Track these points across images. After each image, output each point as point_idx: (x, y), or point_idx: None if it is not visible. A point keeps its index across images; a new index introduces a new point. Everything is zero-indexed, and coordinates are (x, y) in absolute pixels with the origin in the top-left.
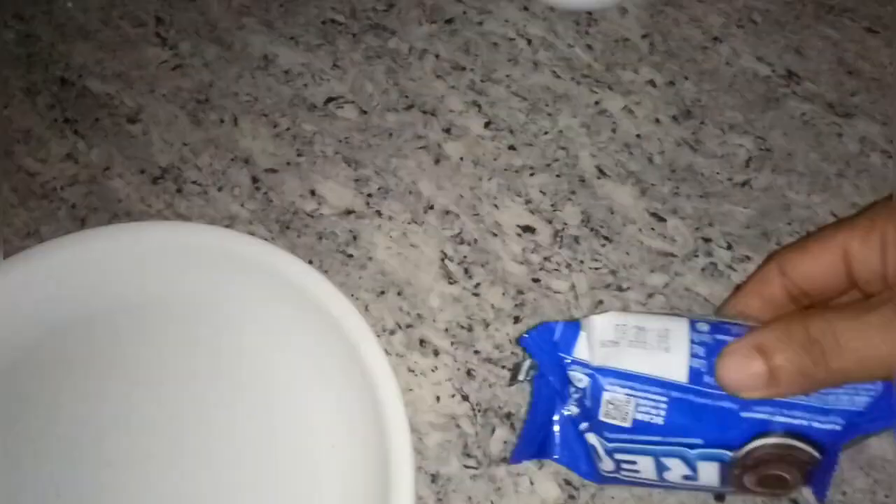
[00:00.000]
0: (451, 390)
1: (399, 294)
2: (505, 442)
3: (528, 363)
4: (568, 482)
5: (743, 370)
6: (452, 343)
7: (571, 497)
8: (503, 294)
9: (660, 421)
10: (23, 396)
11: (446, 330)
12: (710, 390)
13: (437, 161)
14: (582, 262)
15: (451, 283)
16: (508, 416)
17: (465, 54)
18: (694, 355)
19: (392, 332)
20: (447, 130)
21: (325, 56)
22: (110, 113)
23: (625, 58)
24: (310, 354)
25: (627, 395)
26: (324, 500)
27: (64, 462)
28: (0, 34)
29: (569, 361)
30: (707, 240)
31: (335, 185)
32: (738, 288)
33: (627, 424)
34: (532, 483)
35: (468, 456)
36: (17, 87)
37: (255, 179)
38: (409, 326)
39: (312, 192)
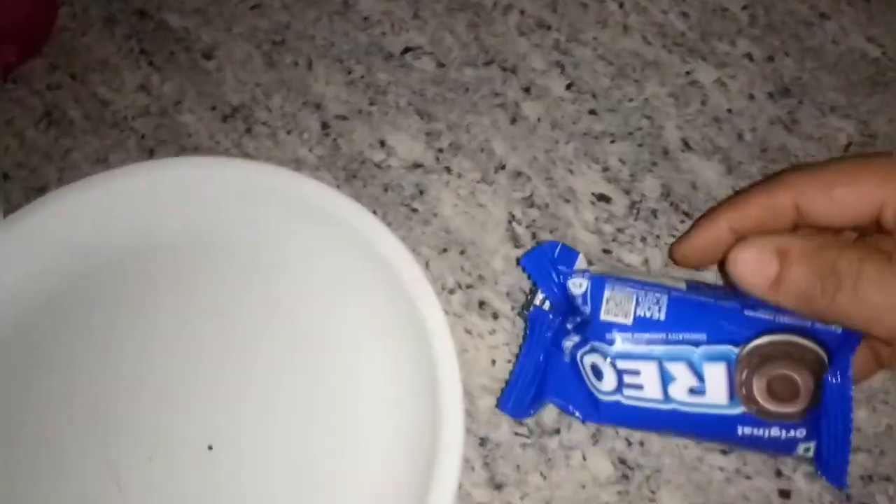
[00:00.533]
0: (508, 355)
1: (462, 253)
2: (560, 413)
3: (541, 294)
4: (622, 461)
5: (755, 263)
6: (513, 307)
7: (625, 477)
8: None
9: (661, 317)
10: (75, 324)
11: (507, 294)
12: (709, 294)
13: (513, 120)
14: (658, 236)
15: (516, 247)
16: None
17: (552, 12)
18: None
19: (451, 292)
20: (526, 90)
21: (407, 5)
22: (186, 48)
23: (722, 28)
24: (366, 304)
25: (628, 292)
26: (370, 454)
27: (111, 392)
28: None
29: (568, 272)
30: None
31: (405, 138)
32: (736, 193)
33: (629, 322)
34: (585, 458)
35: (520, 424)
36: (97, 16)
37: (324, 125)
38: (469, 287)
39: (382, 143)
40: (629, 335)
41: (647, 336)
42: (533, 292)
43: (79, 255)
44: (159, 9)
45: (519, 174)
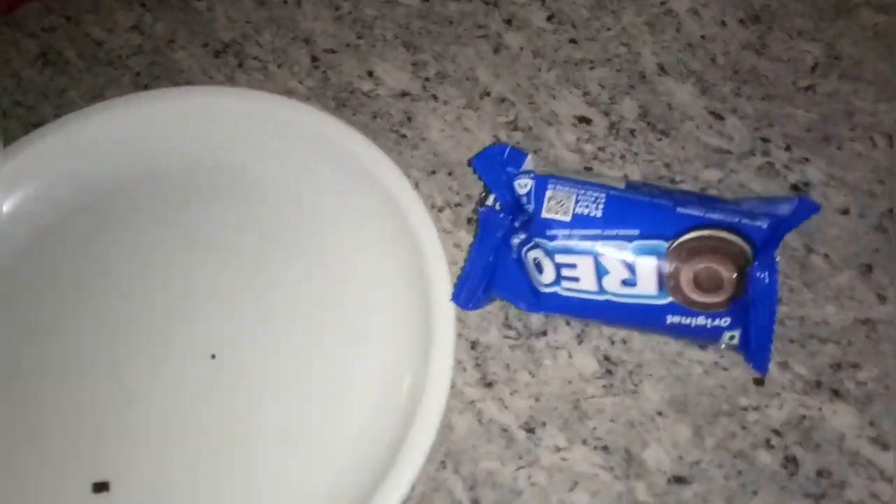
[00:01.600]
0: None
1: (450, 174)
2: (546, 317)
3: (493, 195)
4: (606, 357)
5: None
6: None
7: (609, 372)
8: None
9: (598, 214)
10: (81, 246)
11: None
12: (646, 193)
13: (496, 50)
14: (636, 154)
15: None
16: None
17: None
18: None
19: (441, 210)
20: (508, 21)
21: None
22: None
23: None
24: (362, 222)
25: (568, 190)
26: (368, 360)
27: (117, 308)
28: None
29: (515, 173)
30: (766, 140)
31: (392, 69)
32: None
33: (567, 218)
34: (570, 356)
35: (508, 327)
36: None
37: (314, 58)
38: (457, 205)
39: (370, 74)
40: (567, 231)
41: (583, 232)
42: (485, 192)
43: (84, 181)
44: None
45: (503, 100)
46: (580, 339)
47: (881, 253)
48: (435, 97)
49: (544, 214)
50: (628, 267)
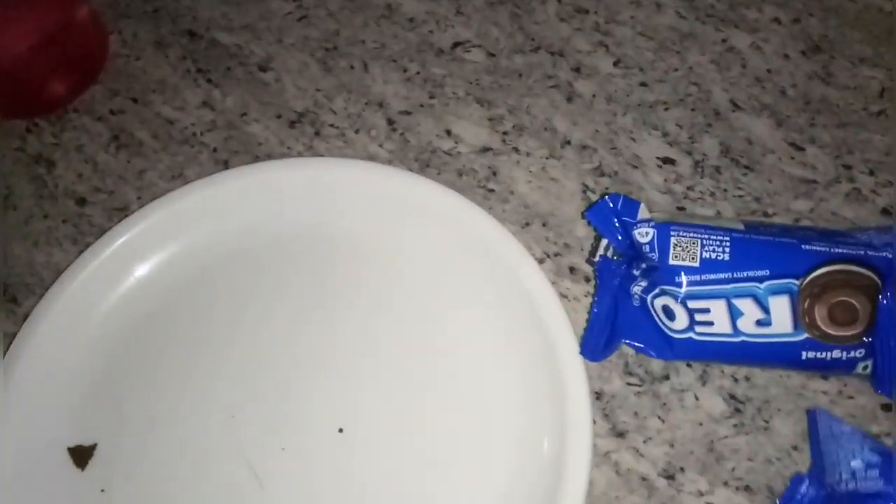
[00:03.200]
0: None
1: (544, 225)
2: (666, 361)
3: (605, 241)
4: (732, 396)
5: None
6: None
7: (738, 410)
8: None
9: (726, 257)
10: (201, 315)
11: None
12: (767, 233)
13: (569, 99)
14: (725, 190)
15: None
16: None
17: None
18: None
19: (541, 261)
20: (576, 70)
21: (448, 3)
22: (241, 62)
23: None
24: (480, 287)
25: (693, 236)
26: (502, 422)
27: (239, 382)
28: None
29: (633, 223)
30: (848, 167)
31: (469, 125)
32: None
33: (696, 264)
34: (697, 398)
35: (630, 374)
36: (147, 40)
37: (390, 121)
38: (557, 255)
39: (448, 132)
40: (697, 277)
41: (714, 276)
42: (597, 241)
43: (209, 249)
44: (208, 28)
45: (584, 147)
46: (703, 380)
47: None
48: (516, 150)
49: (672, 262)
50: (762, 307)
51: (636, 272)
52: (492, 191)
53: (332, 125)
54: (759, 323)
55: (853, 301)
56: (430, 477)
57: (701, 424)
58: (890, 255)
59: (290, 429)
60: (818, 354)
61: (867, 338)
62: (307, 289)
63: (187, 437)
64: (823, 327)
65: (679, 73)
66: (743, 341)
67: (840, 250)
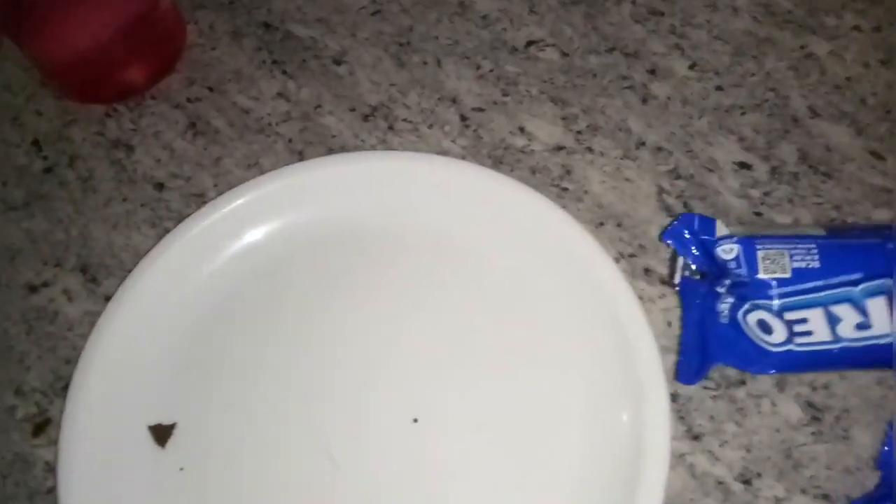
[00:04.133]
0: (680, 315)
1: (618, 226)
2: None
3: (681, 261)
4: (810, 404)
5: None
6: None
7: (816, 419)
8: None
9: (816, 264)
10: (283, 303)
11: (670, 259)
12: (850, 235)
13: (644, 100)
14: (803, 197)
15: (669, 216)
16: None
17: (662, 0)
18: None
19: (616, 262)
20: (651, 72)
21: (521, 2)
22: (315, 55)
23: (826, 4)
24: (561, 286)
25: (780, 248)
26: (576, 420)
27: (320, 369)
28: None
29: (714, 240)
30: None
31: (543, 123)
32: None
33: (787, 275)
34: (774, 405)
35: (706, 378)
36: (223, 31)
37: (463, 118)
38: (632, 256)
39: (521, 129)
40: (790, 288)
41: (807, 285)
42: (673, 261)
43: (290, 236)
44: (283, 20)
45: (660, 149)
46: (780, 387)
47: None
48: (590, 149)
49: (762, 275)
50: (860, 310)
51: (721, 290)
52: (566, 189)
53: (405, 119)
54: (858, 327)
55: None
56: (500, 471)
57: (778, 431)
58: None
59: (365, 415)
60: None
61: None
62: (387, 281)
63: (265, 419)
64: None
65: (756, 79)
66: (844, 347)
67: None
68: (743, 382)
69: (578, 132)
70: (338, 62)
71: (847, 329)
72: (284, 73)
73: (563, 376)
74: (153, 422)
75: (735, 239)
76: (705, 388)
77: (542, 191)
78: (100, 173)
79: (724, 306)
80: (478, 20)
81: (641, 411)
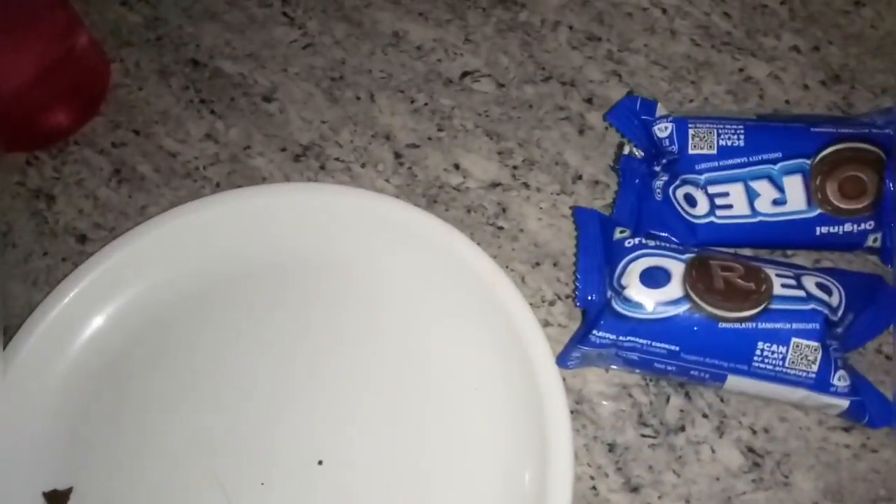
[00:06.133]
0: None
1: (555, 265)
2: (681, 411)
3: (628, 145)
4: (751, 449)
5: None
6: None
7: (756, 465)
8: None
9: (741, 143)
10: (180, 347)
11: None
12: (778, 120)
13: (580, 131)
14: None
15: None
16: (682, 384)
17: (600, 24)
18: None
19: (552, 303)
20: (588, 100)
21: (457, 31)
22: (245, 92)
23: (765, 24)
24: (464, 317)
25: (709, 127)
26: (482, 453)
27: (218, 414)
28: (127, 18)
29: (653, 120)
30: None
31: (478, 159)
32: None
33: (714, 151)
34: (713, 451)
35: (644, 425)
36: (150, 69)
37: (397, 155)
38: (568, 297)
39: (456, 166)
40: (716, 163)
41: (731, 161)
42: (619, 150)
43: (186, 277)
44: (212, 57)
45: (597, 182)
46: (720, 431)
47: None
48: (526, 185)
49: (691, 151)
50: (777, 187)
51: (657, 168)
52: (501, 228)
53: (337, 159)
54: (775, 202)
55: (861, 175)
56: None
57: (718, 479)
58: (892, 132)
59: (268, 462)
60: (831, 229)
61: (874, 211)
62: (286, 319)
63: (164, 476)
64: (835, 201)
65: (694, 104)
66: (761, 221)
67: (846, 130)
68: (682, 428)
69: (514, 167)
70: (268, 99)
71: (764, 204)
72: (213, 112)
73: (469, 408)
74: (48, 488)
75: (671, 118)
76: (644, 435)
77: (478, 230)
78: (19, 226)
79: (659, 183)
80: (412, 51)
81: (546, 469)
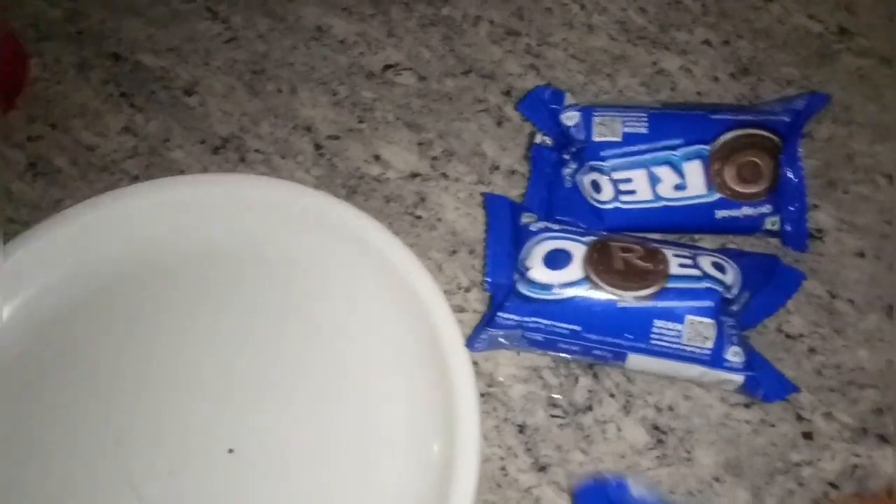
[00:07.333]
0: None
1: (471, 253)
2: (590, 391)
3: (540, 135)
4: (655, 427)
5: None
6: None
7: (660, 442)
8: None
9: (644, 130)
10: (89, 340)
11: None
12: (681, 108)
13: (499, 123)
14: None
15: None
16: (591, 365)
17: (519, 20)
18: None
19: (467, 290)
20: (507, 93)
21: (380, 25)
22: (165, 86)
23: (678, 19)
24: (373, 302)
25: (614, 115)
26: (393, 438)
27: (126, 407)
28: (47, 12)
29: (561, 109)
30: None
31: (399, 150)
32: None
33: (618, 139)
34: (619, 430)
35: (554, 406)
36: (70, 63)
37: (317, 146)
38: (483, 283)
39: (377, 157)
40: (620, 150)
41: (634, 148)
42: (531, 139)
43: (93, 271)
44: (132, 51)
45: (513, 172)
46: (626, 410)
47: None
48: (445, 175)
49: (596, 138)
50: (678, 172)
51: (567, 156)
52: (419, 217)
53: (257, 150)
54: (676, 187)
55: (757, 160)
56: (319, 494)
57: (623, 457)
58: (788, 119)
59: (177, 452)
60: (731, 213)
61: (772, 195)
62: (192, 309)
63: (73, 469)
64: (733, 186)
65: (609, 97)
66: (664, 206)
67: (744, 118)
68: (590, 408)
69: (434, 158)
70: (189, 92)
71: (666, 189)
72: (132, 105)
73: (379, 393)
74: None
75: (578, 107)
76: (553, 416)
77: (397, 220)
78: None
79: (568, 171)
80: (335, 45)
81: (454, 442)
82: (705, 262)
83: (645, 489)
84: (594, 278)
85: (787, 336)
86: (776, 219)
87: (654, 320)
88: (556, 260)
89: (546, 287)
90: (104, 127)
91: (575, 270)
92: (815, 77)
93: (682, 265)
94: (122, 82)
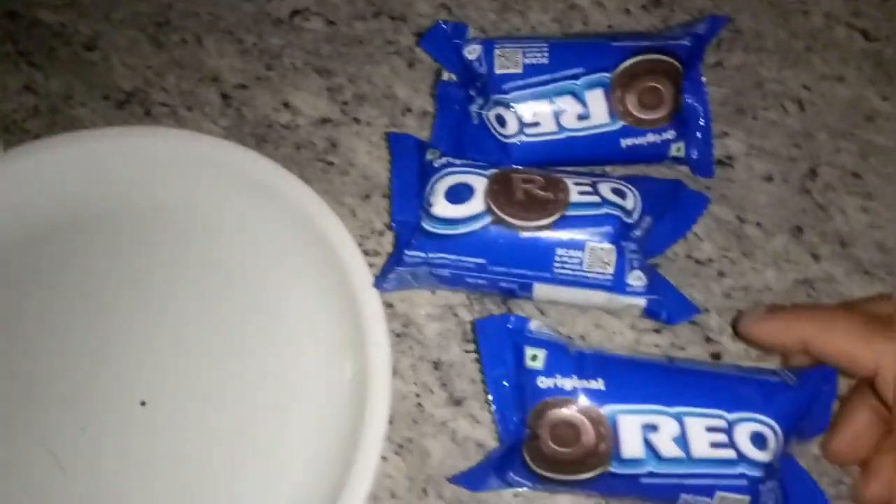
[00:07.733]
0: None
1: (384, 196)
2: None
3: (446, 73)
4: None
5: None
6: None
7: None
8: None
9: (545, 61)
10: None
11: None
12: (583, 37)
13: (410, 65)
14: None
15: None
16: (504, 300)
17: None
18: None
19: (381, 234)
20: (418, 35)
21: None
22: (65, 42)
23: None
24: (285, 250)
25: (515, 47)
26: (300, 404)
27: (39, 371)
28: None
29: (462, 43)
30: None
31: (308, 96)
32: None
33: (519, 70)
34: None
35: (468, 342)
36: None
37: (224, 96)
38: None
39: (286, 105)
40: (521, 82)
41: (536, 79)
42: (439, 74)
43: (3, 228)
44: (29, 7)
45: (425, 114)
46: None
47: (808, 214)
48: (357, 120)
49: (497, 71)
50: (581, 102)
51: (473, 93)
52: (331, 163)
53: (162, 104)
54: (580, 117)
55: (658, 85)
56: (230, 443)
57: None
58: (688, 43)
59: (89, 407)
60: (635, 140)
61: (675, 121)
62: (102, 265)
63: None
64: (635, 113)
65: (521, 34)
66: (568, 137)
67: (644, 43)
68: None
69: (344, 103)
70: (90, 48)
71: (570, 120)
72: (31, 64)
73: (292, 349)
74: None
75: (479, 41)
76: (467, 351)
77: (308, 167)
78: None
79: (475, 107)
80: None
81: (366, 376)
82: (605, 189)
83: (544, 328)
84: (496, 210)
85: (697, 262)
86: (681, 144)
87: (556, 249)
88: (459, 194)
89: (449, 222)
90: (2, 87)
91: (477, 204)
92: (727, 6)
93: (581, 192)
94: (19, 40)
